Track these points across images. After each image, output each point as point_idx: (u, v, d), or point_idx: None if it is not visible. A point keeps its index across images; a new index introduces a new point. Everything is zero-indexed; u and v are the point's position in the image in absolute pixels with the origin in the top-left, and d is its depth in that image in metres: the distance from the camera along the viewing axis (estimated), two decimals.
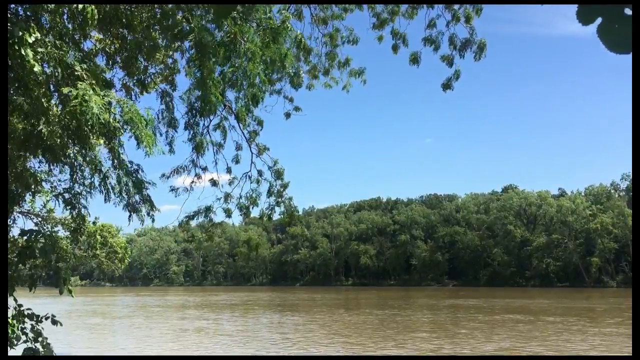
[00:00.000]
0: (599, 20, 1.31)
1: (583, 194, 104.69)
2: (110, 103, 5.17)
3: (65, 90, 4.87)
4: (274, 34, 6.54)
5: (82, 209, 7.88)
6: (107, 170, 7.11)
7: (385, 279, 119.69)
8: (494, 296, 67.27)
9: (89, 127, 4.87)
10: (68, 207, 7.63)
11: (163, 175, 9.10)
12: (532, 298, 63.18)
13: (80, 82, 4.98)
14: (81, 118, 4.65)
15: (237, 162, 9.46)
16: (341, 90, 10.23)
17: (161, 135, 8.15)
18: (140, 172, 7.52)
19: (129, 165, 7.26)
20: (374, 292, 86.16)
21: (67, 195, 7.69)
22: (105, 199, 7.17)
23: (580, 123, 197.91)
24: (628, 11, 1.25)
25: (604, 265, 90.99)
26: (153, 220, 7.97)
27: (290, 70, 8.67)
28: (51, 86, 5.90)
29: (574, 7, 1.36)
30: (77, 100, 4.64)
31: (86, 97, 4.66)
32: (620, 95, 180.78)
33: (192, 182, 9.21)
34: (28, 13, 5.56)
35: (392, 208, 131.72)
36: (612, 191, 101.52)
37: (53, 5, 5.64)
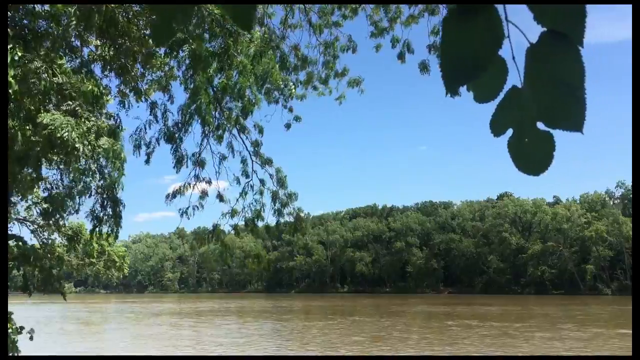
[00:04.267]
0: (509, 131, 1.11)
1: (578, 201, 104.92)
2: (89, 129, 5.18)
3: (44, 118, 4.89)
4: (261, 50, 6.58)
5: (62, 214, 7.89)
6: (85, 183, 7.15)
7: (380, 286, 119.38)
8: (471, 303, 67.13)
9: (64, 151, 4.89)
10: (48, 215, 7.66)
11: (168, 195, 8.85)
12: (505, 305, 62.97)
13: (59, 110, 5.00)
14: (54, 143, 4.68)
15: (247, 176, 8.92)
16: (334, 100, 10.04)
17: (146, 146, 7.97)
18: (115, 187, 7.54)
19: (106, 181, 7.32)
20: (358, 300, 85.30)
21: (45, 205, 7.72)
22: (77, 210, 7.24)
23: None
24: (541, 125, 1.05)
25: (599, 272, 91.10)
26: (116, 237, 7.92)
27: (279, 84, 8.43)
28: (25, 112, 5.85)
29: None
30: (51, 128, 4.66)
31: (62, 126, 4.68)
32: (615, 102, 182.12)
33: (200, 196, 8.78)
34: (25, 21, 5.58)
35: (388, 215, 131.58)
36: (606, 199, 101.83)
37: (53, 10, 5.66)
